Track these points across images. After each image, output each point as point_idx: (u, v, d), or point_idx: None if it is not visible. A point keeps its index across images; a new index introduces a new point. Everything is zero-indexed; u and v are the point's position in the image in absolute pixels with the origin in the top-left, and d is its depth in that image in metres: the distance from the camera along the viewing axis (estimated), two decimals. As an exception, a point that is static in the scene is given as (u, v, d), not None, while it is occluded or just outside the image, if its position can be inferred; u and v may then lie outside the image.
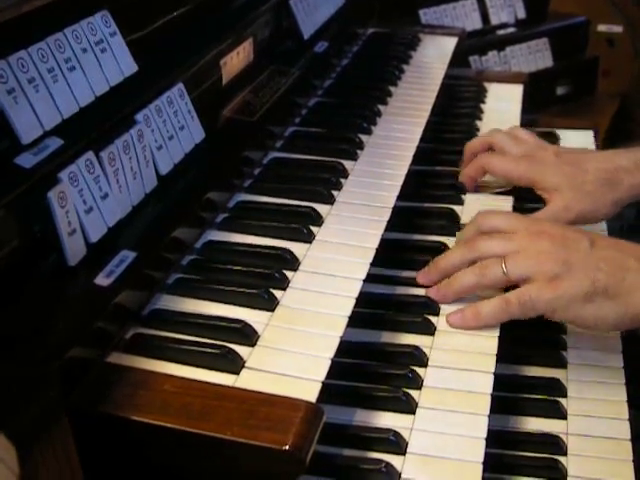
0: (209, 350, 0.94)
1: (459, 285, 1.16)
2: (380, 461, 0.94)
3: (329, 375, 0.93)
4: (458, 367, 1.07)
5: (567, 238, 1.15)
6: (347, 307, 1.04)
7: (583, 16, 2.78)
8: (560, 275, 1.10)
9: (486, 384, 1.04)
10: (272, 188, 1.30)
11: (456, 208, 1.39)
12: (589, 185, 1.34)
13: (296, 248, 1.14)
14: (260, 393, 0.88)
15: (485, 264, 1.15)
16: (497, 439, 1.04)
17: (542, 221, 1.25)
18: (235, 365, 0.93)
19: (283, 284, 1.07)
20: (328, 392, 0.93)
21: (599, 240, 1.15)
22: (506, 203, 1.41)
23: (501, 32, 2.64)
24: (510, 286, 1.15)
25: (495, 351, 1.09)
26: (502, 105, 1.81)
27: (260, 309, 1.03)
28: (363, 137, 1.47)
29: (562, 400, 1.13)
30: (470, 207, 1.40)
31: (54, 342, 0.84)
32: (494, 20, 2.63)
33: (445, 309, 1.16)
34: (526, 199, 1.42)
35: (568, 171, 1.36)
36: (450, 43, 1.97)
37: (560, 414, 1.11)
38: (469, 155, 1.48)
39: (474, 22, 2.57)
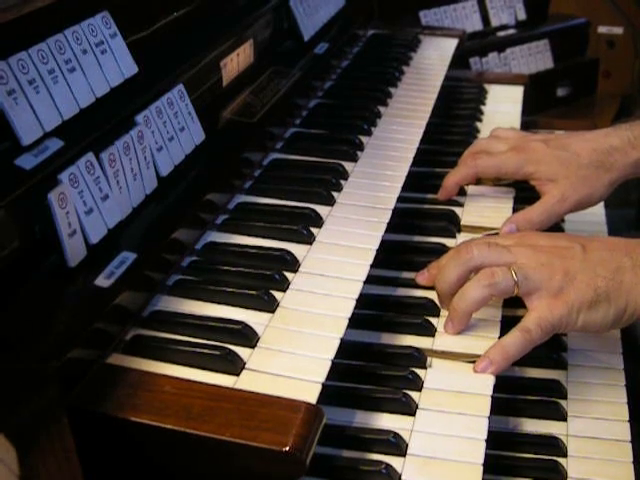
0: (209, 351, 0.94)
1: (469, 303, 1.10)
2: (380, 462, 0.94)
3: (329, 376, 0.93)
4: (458, 368, 1.07)
5: (559, 247, 1.13)
6: (347, 308, 1.04)
7: (583, 17, 2.79)
8: (564, 288, 1.08)
9: (486, 386, 1.04)
10: (272, 189, 1.30)
11: (456, 210, 1.39)
12: (584, 169, 1.33)
13: (296, 249, 1.14)
14: (260, 394, 0.88)
15: (492, 273, 1.09)
16: (497, 440, 1.04)
17: (530, 234, 1.21)
18: (235, 366, 0.93)
19: (283, 285, 1.07)
20: (328, 393, 0.93)
21: (589, 243, 1.14)
22: (506, 204, 1.41)
23: (501, 33, 2.64)
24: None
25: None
26: (502, 107, 1.81)
27: (260, 310, 1.03)
28: (363, 138, 1.47)
29: (562, 401, 1.13)
30: (470, 209, 1.40)
31: (54, 343, 0.84)
32: (494, 21, 2.63)
33: (445, 312, 1.16)
34: (525, 200, 1.42)
35: (561, 157, 1.34)
36: (450, 44, 1.97)
37: (560, 415, 1.11)
38: None
39: (474, 23, 2.58)
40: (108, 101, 1.06)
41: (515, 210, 1.39)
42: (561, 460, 1.05)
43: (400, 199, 1.31)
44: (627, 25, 2.86)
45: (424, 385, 1.05)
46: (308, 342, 0.98)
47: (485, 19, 2.61)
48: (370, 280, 1.12)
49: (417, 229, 1.36)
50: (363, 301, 1.08)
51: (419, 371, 1.06)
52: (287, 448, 0.82)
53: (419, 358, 1.08)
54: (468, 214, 1.39)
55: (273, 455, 0.82)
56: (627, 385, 1.16)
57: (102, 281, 0.94)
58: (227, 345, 0.95)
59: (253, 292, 1.04)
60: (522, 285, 1.09)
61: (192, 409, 0.86)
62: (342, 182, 1.33)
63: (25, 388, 0.72)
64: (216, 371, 0.93)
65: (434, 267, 1.20)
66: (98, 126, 1.03)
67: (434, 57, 1.90)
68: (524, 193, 1.42)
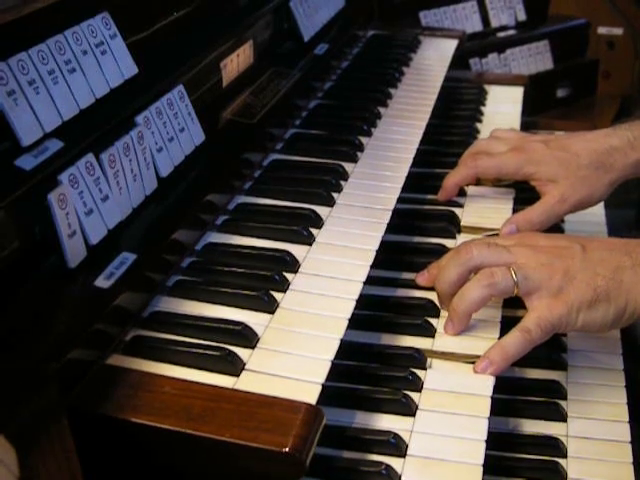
0: (209, 352, 0.94)
1: (469, 303, 1.10)
2: (380, 463, 0.94)
3: (329, 377, 0.93)
4: (458, 369, 1.07)
5: (559, 247, 1.13)
6: (347, 309, 1.04)
7: (583, 18, 2.79)
8: (564, 288, 1.08)
9: (486, 386, 1.04)
10: (272, 190, 1.30)
11: (456, 210, 1.39)
12: (584, 170, 1.33)
13: (296, 250, 1.14)
14: (260, 395, 0.88)
15: (491, 273, 1.10)
16: (497, 441, 1.04)
17: (529, 234, 1.22)
18: (235, 367, 0.93)
19: (283, 286, 1.07)
20: (328, 394, 0.93)
21: (589, 243, 1.14)
22: (506, 205, 1.41)
23: (501, 34, 2.64)
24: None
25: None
26: (502, 107, 1.81)
27: (260, 311, 1.03)
28: (363, 139, 1.47)
29: (562, 402, 1.13)
30: (470, 209, 1.40)
31: (54, 344, 0.84)
32: (494, 22, 2.63)
33: (445, 313, 1.16)
34: (525, 201, 1.42)
35: (560, 157, 1.34)
36: (450, 45, 1.97)
37: (560, 416, 1.11)
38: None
39: (474, 24, 2.57)
40: (108, 102, 1.06)
41: (515, 211, 1.39)
42: (561, 461, 1.05)
43: (400, 200, 1.31)
44: (627, 26, 2.86)
45: (424, 386, 1.04)
46: (308, 343, 0.98)
47: (485, 20, 2.61)
48: (370, 281, 1.12)
49: (417, 230, 1.36)
50: (363, 302, 1.08)
51: (419, 372, 1.06)
52: (287, 449, 0.82)
53: (419, 359, 1.08)
54: (468, 215, 1.39)
55: (273, 456, 0.82)
56: (627, 386, 1.16)
57: (102, 282, 0.94)
58: (227, 346, 0.95)
59: (253, 293, 1.04)
60: (522, 285, 1.09)
61: (192, 410, 0.86)
62: (342, 183, 1.33)
63: (25, 388, 0.72)
64: (216, 372, 0.93)
65: (434, 268, 1.20)
66: (98, 127, 1.03)
67: (434, 58, 1.90)
68: (524, 194, 1.42)
